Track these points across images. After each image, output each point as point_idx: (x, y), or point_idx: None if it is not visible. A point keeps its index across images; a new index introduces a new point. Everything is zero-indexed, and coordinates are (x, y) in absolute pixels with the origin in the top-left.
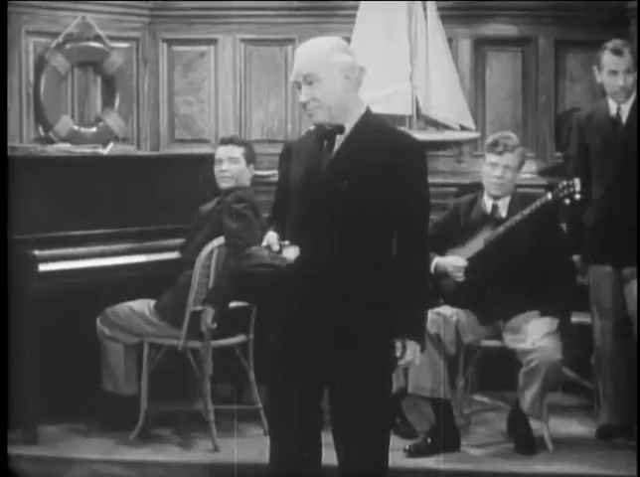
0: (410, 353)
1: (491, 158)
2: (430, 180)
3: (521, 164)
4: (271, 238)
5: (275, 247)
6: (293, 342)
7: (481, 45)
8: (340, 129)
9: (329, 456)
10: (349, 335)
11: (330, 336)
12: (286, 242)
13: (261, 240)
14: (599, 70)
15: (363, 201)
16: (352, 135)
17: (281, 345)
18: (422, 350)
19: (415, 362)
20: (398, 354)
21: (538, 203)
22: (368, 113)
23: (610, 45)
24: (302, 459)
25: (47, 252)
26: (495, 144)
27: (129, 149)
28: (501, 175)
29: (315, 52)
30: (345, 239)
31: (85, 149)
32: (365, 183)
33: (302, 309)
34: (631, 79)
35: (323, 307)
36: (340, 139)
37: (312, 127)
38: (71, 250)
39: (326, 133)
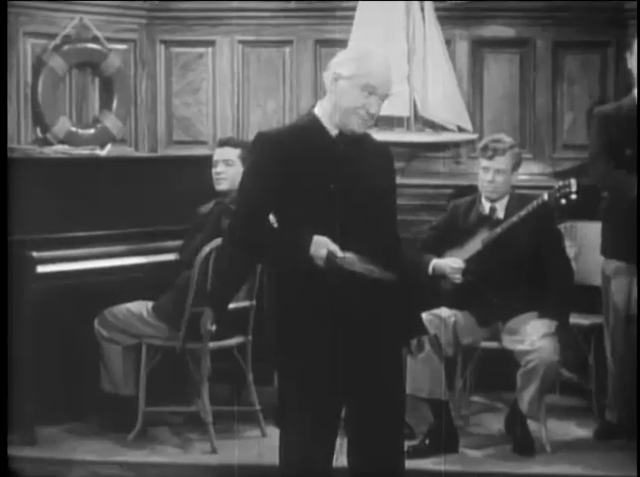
0: (427, 345)
1: (483, 162)
2: (428, 181)
3: (515, 165)
4: (329, 243)
5: (340, 254)
6: (328, 347)
7: (479, 46)
8: (360, 136)
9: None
10: (380, 341)
11: (362, 342)
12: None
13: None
14: (631, 54)
15: (378, 203)
16: (359, 138)
17: (315, 350)
18: (432, 344)
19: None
20: (412, 350)
21: (534, 203)
22: None
23: None
24: (316, 462)
25: (45, 254)
26: (485, 149)
27: (127, 150)
28: (492, 179)
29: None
30: (381, 245)
31: (83, 151)
32: (373, 185)
33: (339, 315)
34: None
35: (359, 313)
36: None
37: (297, 121)
38: (68, 252)
39: (346, 137)
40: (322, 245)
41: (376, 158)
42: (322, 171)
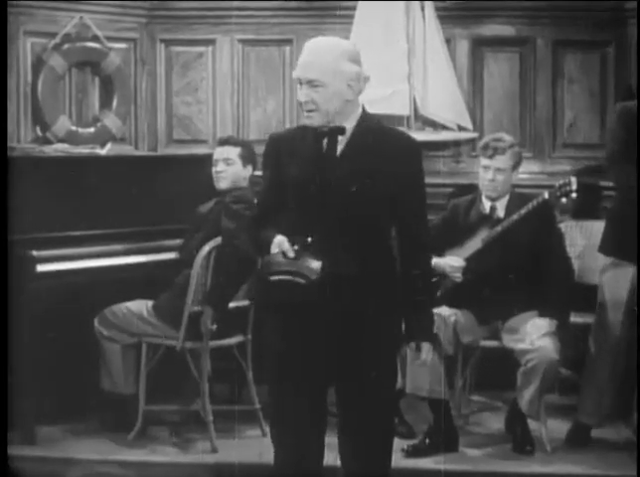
0: (425, 353)
1: (483, 161)
2: (428, 180)
3: (516, 164)
4: (283, 243)
5: (291, 254)
6: (301, 345)
7: (479, 45)
8: (341, 131)
9: (328, 457)
10: (360, 337)
11: (340, 338)
12: (296, 247)
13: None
14: None
15: (369, 202)
16: (354, 136)
17: (288, 348)
18: (435, 347)
19: (429, 359)
20: (410, 354)
21: (534, 202)
22: (365, 114)
23: None
24: (305, 460)
25: (45, 253)
26: (485, 147)
27: (127, 149)
28: (492, 178)
29: (324, 58)
30: (357, 243)
31: (83, 149)
32: (370, 184)
33: (313, 311)
34: None
35: (336, 309)
36: (342, 140)
37: (302, 123)
38: (68, 251)
39: (325, 134)
40: (275, 246)
41: (377, 157)
42: (307, 171)
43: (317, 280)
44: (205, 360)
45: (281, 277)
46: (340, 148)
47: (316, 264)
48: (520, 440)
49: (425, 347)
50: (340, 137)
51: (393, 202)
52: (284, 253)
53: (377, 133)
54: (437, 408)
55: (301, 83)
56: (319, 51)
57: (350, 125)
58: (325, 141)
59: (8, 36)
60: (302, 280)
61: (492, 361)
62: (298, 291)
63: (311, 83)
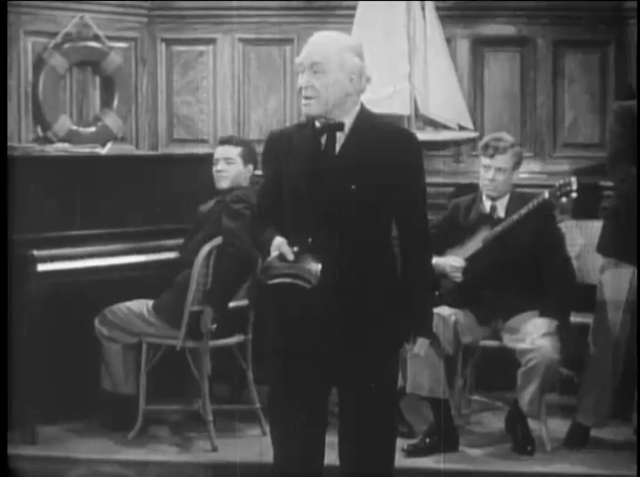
0: (418, 347)
1: (483, 161)
2: (429, 180)
3: (516, 164)
4: (283, 246)
5: (290, 257)
6: (302, 345)
7: (479, 45)
8: (340, 127)
9: (328, 457)
10: (362, 337)
11: (342, 339)
12: (296, 249)
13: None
14: None
15: (369, 200)
16: (352, 133)
17: (289, 348)
18: (432, 342)
19: (421, 353)
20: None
21: (535, 202)
22: (363, 110)
23: None
24: (306, 460)
25: (45, 252)
26: (486, 147)
27: (128, 149)
28: (493, 177)
29: (331, 44)
30: (357, 242)
31: (84, 149)
32: (370, 182)
33: (315, 313)
34: None
35: (337, 310)
36: (340, 137)
37: (302, 120)
38: (69, 250)
39: (324, 130)
40: (275, 248)
41: (376, 154)
42: (306, 169)
43: (318, 283)
44: (205, 359)
45: (282, 280)
46: (339, 145)
47: (316, 267)
48: (520, 440)
49: (420, 340)
50: (339, 134)
51: (393, 199)
52: (283, 256)
53: (376, 130)
54: (437, 408)
55: (303, 71)
56: (325, 40)
57: (348, 121)
58: (324, 138)
59: (8, 36)
60: (304, 283)
61: (492, 361)
62: (299, 294)
63: (313, 68)
